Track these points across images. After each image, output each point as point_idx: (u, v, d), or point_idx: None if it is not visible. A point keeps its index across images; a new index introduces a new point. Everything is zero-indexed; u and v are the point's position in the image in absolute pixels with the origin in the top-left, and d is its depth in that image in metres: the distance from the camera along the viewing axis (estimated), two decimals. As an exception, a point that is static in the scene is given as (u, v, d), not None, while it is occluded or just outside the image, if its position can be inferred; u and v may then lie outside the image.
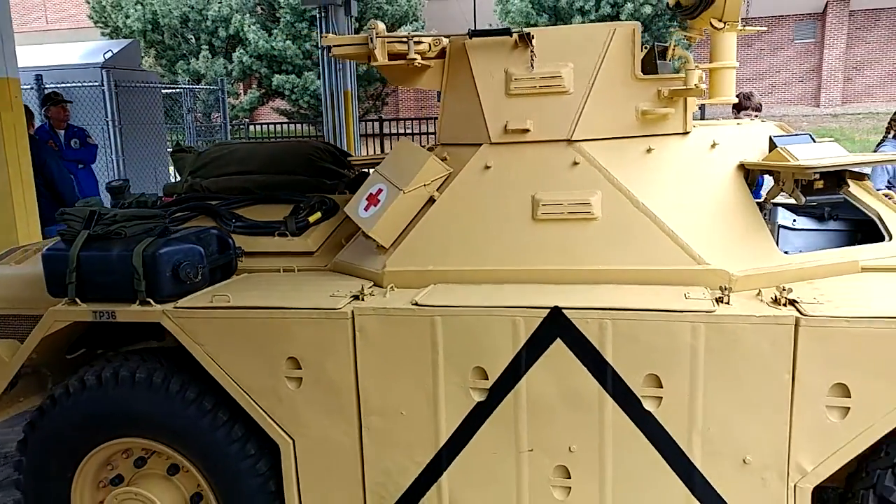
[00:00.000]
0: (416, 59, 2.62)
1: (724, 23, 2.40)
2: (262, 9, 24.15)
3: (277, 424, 2.42)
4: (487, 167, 2.57)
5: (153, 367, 2.56)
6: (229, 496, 2.55)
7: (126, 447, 2.68)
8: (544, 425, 2.24)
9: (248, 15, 23.58)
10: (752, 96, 5.17)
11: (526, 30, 2.52)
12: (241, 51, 23.43)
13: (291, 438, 2.43)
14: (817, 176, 2.43)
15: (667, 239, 2.36)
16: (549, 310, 2.18)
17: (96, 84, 10.01)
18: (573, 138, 2.53)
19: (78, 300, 2.55)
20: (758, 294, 2.21)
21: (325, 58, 11.98)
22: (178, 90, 13.16)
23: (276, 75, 23.03)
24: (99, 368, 2.60)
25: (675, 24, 16.88)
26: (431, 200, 2.60)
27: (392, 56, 2.64)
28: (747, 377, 2.08)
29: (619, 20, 19.01)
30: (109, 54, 10.67)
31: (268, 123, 19.98)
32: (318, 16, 11.82)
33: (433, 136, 17.16)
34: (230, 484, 2.53)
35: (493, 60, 2.59)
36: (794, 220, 3.27)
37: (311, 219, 3.02)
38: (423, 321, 2.27)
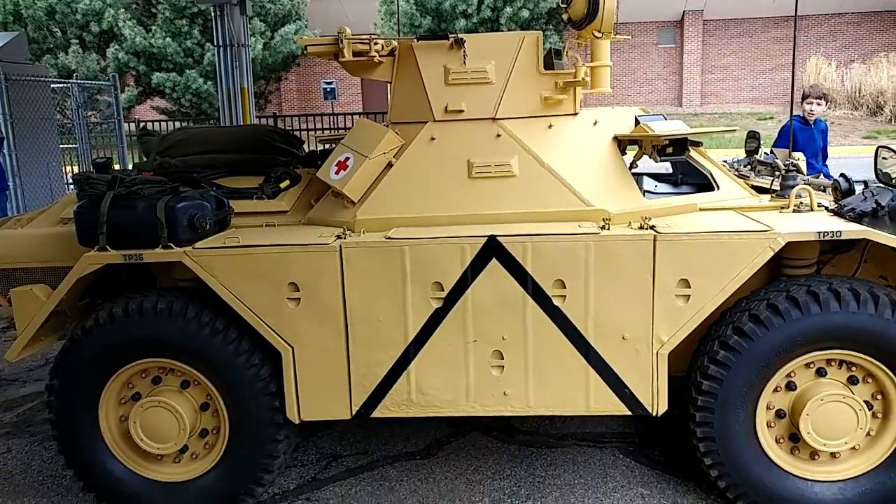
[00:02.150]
0: (375, 56, 3.42)
1: (602, 33, 3.35)
2: (137, 4, 23.65)
3: (280, 336, 3.15)
4: (433, 139, 3.41)
5: (171, 299, 3.22)
6: (237, 399, 3.23)
7: (144, 367, 3.32)
8: (484, 322, 3.09)
9: (122, 10, 23.02)
10: (816, 87, 6.33)
11: (459, 35, 3.38)
12: (117, 46, 22.93)
13: (291, 346, 3.16)
14: (667, 142, 3.43)
15: (565, 189, 3.27)
16: (487, 238, 3.04)
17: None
18: (496, 117, 3.41)
19: (108, 247, 3.17)
20: (628, 224, 3.16)
21: (222, 55, 12.26)
22: (66, 85, 13.09)
23: (156, 73, 22.72)
24: (124, 303, 3.23)
25: (551, 28, 18.15)
26: (390, 165, 3.41)
27: (355, 54, 3.42)
28: (623, 278, 3.01)
29: (499, 23, 20.24)
30: (-5, 47, 10.63)
31: (151, 121, 19.80)
32: (213, 14, 12.12)
33: (319, 130, 17.69)
34: (237, 389, 3.22)
35: (434, 58, 3.43)
36: (656, 186, 4.32)
37: (282, 185, 3.75)
38: (395, 250, 3.07)
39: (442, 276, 3.08)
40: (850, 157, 16.57)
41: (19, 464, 3.97)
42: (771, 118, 25.02)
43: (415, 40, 3.45)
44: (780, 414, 3.10)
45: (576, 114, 3.53)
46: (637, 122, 3.57)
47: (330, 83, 23.14)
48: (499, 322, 3.09)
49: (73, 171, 13.29)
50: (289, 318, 3.14)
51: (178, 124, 20.01)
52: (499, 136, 3.38)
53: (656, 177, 4.41)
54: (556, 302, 3.05)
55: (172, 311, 3.19)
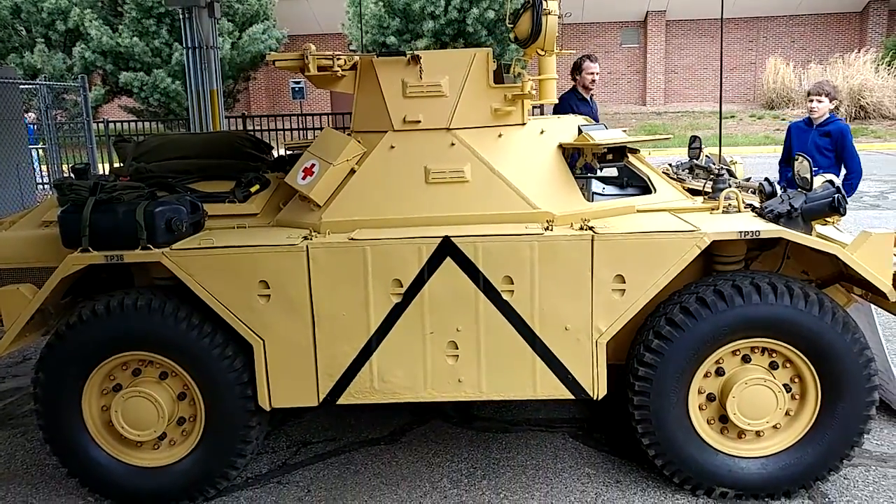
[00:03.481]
0: (338, 70, 3.69)
1: (545, 51, 3.66)
2: (103, 3, 23.51)
3: (251, 330, 3.41)
4: (392, 147, 3.69)
5: (150, 297, 3.47)
6: (211, 388, 3.48)
7: (125, 360, 3.55)
8: (440, 315, 3.38)
9: (88, 9, 22.89)
10: (820, 83, 5.74)
11: (416, 52, 3.66)
12: (83, 45, 22.81)
13: (262, 339, 3.42)
14: (606, 150, 3.75)
15: (513, 194, 3.57)
16: (441, 238, 3.33)
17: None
18: (450, 127, 3.70)
19: (90, 249, 3.41)
20: (570, 225, 3.47)
21: (191, 57, 12.36)
22: (34, 86, 13.13)
23: (124, 72, 22.65)
24: (106, 300, 3.47)
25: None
26: (353, 171, 3.68)
27: (319, 68, 3.69)
28: (565, 274, 3.32)
29: (466, 24, 20.52)
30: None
31: (119, 121, 19.76)
32: (181, 17, 12.24)
33: (288, 130, 17.79)
34: (212, 379, 3.47)
35: (393, 72, 3.71)
36: (603, 188, 4.64)
37: (253, 189, 4.00)
38: (357, 250, 3.35)
39: (401, 274, 3.36)
40: (805, 156, 17.14)
41: (3, 454, 4.18)
42: (732, 117, 25.68)
43: (375, 56, 3.72)
44: (710, 397, 3.43)
45: (524, 124, 3.83)
46: (580, 132, 3.89)
47: (298, 83, 23.22)
48: (453, 315, 3.38)
49: (44, 171, 13.36)
50: (260, 313, 3.40)
51: (146, 124, 20.02)
52: (453, 144, 3.67)
53: (604, 180, 4.74)
54: (504, 296, 3.35)
55: (151, 307, 3.43)
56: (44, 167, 13.45)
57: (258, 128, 17.88)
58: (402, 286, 3.37)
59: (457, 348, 3.41)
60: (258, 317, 3.40)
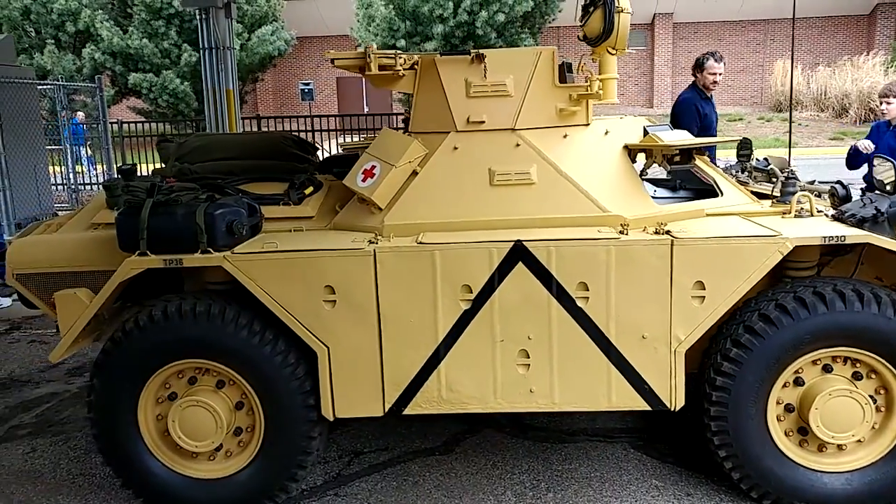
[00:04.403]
0: (399, 69, 3.57)
1: (616, 49, 3.55)
2: (112, 4, 23.46)
3: (316, 336, 3.29)
4: (455, 148, 3.57)
5: (209, 302, 3.35)
6: (272, 398, 3.36)
7: (181, 368, 3.44)
8: (511, 322, 3.26)
9: (99, 10, 22.86)
10: (893, 84, 5.86)
11: (481, 51, 3.55)
12: (93, 47, 22.76)
13: (327, 346, 3.30)
14: (677, 151, 3.63)
15: (581, 196, 3.45)
16: (513, 242, 3.22)
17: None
18: (515, 128, 3.58)
19: (148, 252, 3.29)
20: (644, 229, 3.36)
21: (207, 58, 12.27)
22: (50, 87, 13.05)
23: (133, 73, 22.60)
24: (163, 305, 3.35)
25: (526, 31, 18.29)
26: (415, 173, 3.57)
27: (380, 67, 3.58)
28: (642, 280, 3.20)
29: (475, 26, 20.41)
30: (-17, 50, 10.59)
31: (129, 122, 19.66)
32: (198, 17, 12.14)
33: (299, 132, 17.73)
34: (273, 388, 3.35)
35: (456, 72, 3.59)
36: (655, 190, 4.54)
37: (307, 191, 3.89)
38: (427, 254, 3.23)
39: (471, 279, 3.24)
40: (820, 157, 17.11)
41: (48, 463, 4.06)
42: (740, 119, 25.59)
43: (438, 55, 3.61)
44: (788, 408, 3.31)
45: (588, 124, 3.72)
46: (646, 132, 3.77)
47: (307, 84, 23.13)
48: (524, 322, 3.26)
49: (58, 173, 13.28)
50: (325, 319, 3.28)
51: (158, 125, 19.93)
52: (518, 145, 3.55)
53: (655, 182, 4.63)
54: (579, 303, 3.23)
55: (212, 313, 3.31)
56: (57, 168, 13.36)
57: (269, 129, 17.78)
58: (471, 292, 3.25)
59: (528, 357, 3.29)
60: (323, 323, 3.29)
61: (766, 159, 4.85)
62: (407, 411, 3.36)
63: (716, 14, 28.01)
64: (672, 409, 3.30)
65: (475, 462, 3.94)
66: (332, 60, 3.61)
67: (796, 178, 3.87)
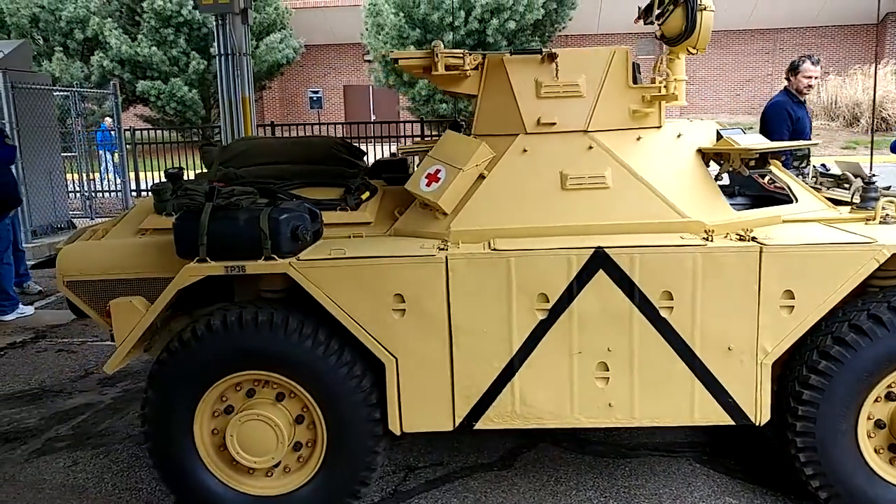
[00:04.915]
0: (467, 69, 3.43)
1: (697, 49, 3.41)
2: (121, 12, 23.41)
3: (384, 347, 3.14)
4: (525, 151, 3.42)
5: (271, 311, 3.19)
6: (336, 411, 3.20)
7: (238, 381, 3.27)
8: (589, 333, 3.11)
9: (108, 18, 22.80)
10: None
11: (552, 50, 3.40)
12: (101, 54, 22.69)
13: (395, 357, 3.15)
14: (757, 155, 3.49)
15: (659, 201, 3.30)
16: (594, 249, 3.06)
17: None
18: (588, 129, 3.44)
19: (208, 259, 3.14)
20: (726, 236, 3.20)
21: (223, 64, 12.14)
22: (65, 93, 12.92)
23: (141, 81, 22.52)
24: (222, 314, 3.19)
25: (536, 39, 18.19)
26: (482, 177, 3.42)
27: (447, 67, 3.44)
28: (728, 289, 3.05)
29: (486, 34, 20.35)
30: (1, 55, 10.47)
31: (139, 129, 19.53)
32: (215, 24, 12.02)
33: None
34: (337, 401, 3.19)
35: (525, 72, 3.45)
36: None
37: (364, 196, 3.74)
38: (501, 261, 3.08)
39: (547, 288, 3.09)
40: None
41: (91, 477, 3.89)
42: (750, 128, 25.43)
43: (507, 55, 3.47)
44: (879, 424, 3.15)
45: (660, 127, 3.57)
46: (719, 136, 3.63)
47: (316, 92, 23.04)
48: (604, 333, 3.11)
49: (73, 179, 13.14)
50: (393, 329, 3.13)
51: (166, 132, 19.78)
52: (591, 148, 3.41)
53: None
54: (662, 313, 3.08)
55: (273, 322, 3.15)
56: (74, 176, 13.23)
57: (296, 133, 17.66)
58: (548, 301, 3.10)
59: (607, 370, 3.14)
60: (391, 333, 3.13)
61: (823, 165, 4.71)
62: (478, 426, 3.20)
63: (724, 23, 27.91)
64: (757, 423, 3.14)
65: (537, 478, 3.77)
66: (396, 60, 3.47)
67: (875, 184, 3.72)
